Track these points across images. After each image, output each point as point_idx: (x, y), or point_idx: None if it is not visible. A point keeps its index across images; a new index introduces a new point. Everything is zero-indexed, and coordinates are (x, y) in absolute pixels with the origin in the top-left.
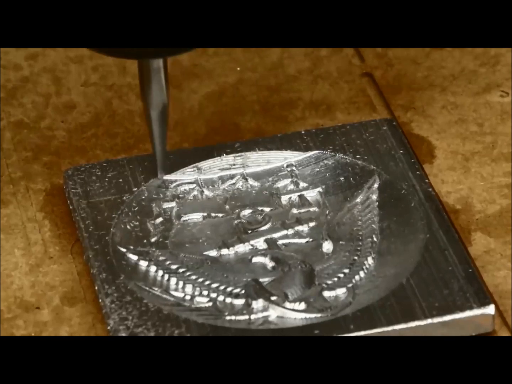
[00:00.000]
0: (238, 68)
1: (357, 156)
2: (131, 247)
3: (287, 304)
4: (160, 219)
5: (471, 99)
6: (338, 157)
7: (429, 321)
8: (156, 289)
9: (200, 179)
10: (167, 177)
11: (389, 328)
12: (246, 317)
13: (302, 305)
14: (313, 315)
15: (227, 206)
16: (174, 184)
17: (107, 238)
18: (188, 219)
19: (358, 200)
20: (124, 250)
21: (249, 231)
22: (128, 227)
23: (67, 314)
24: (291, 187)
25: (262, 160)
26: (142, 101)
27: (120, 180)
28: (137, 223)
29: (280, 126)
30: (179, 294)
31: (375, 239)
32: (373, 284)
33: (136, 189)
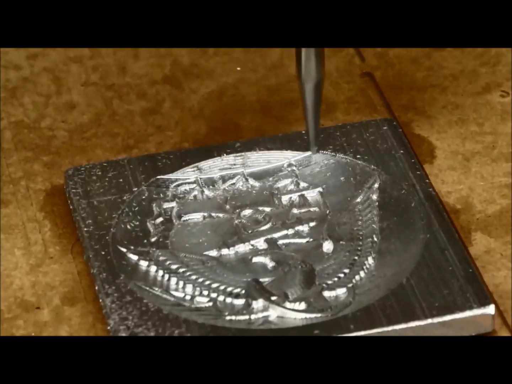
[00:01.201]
0: (238, 68)
1: (358, 156)
2: (131, 247)
3: (287, 304)
4: (160, 219)
5: (471, 99)
6: (339, 157)
7: (429, 321)
8: (156, 289)
9: (200, 179)
10: (168, 176)
11: (389, 328)
12: (246, 317)
13: (302, 305)
14: (313, 315)
15: (227, 206)
16: (174, 184)
17: (107, 238)
18: (189, 219)
19: (358, 200)
20: (124, 250)
21: (250, 231)
22: (128, 227)
23: (67, 314)
24: (292, 187)
25: (262, 160)
26: (297, 77)
27: (120, 180)
28: (137, 223)
29: (280, 126)
30: (179, 294)
31: (375, 239)
32: (373, 284)
33: (136, 189)
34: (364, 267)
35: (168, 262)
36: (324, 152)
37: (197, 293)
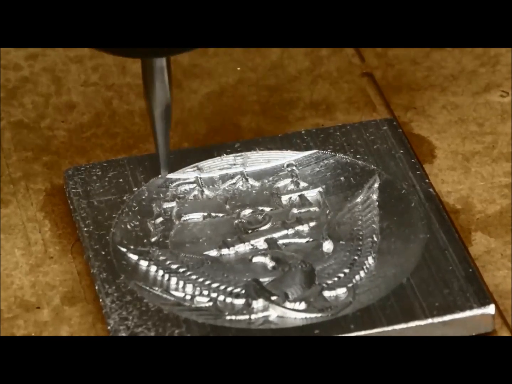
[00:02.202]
0: (238, 68)
1: (357, 156)
2: (132, 247)
3: (287, 304)
4: (160, 219)
5: (471, 99)
6: (338, 157)
7: (429, 321)
8: (156, 289)
9: (200, 178)
10: (168, 176)
11: (389, 328)
12: (247, 317)
13: (302, 305)
14: (313, 315)
15: (227, 206)
16: (174, 184)
17: (107, 238)
18: (189, 219)
19: (358, 200)
20: (124, 250)
21: (250, 231)
22: (128, 227)
23: (67, 314)
24: (292, 187)
25: (262, 160)
26: (146, 99)
27: (121, 180)
28: (138, 223)
29: (280, 126)
30: (180, 294)
31: (375, 239)
32: (373, 284)
33: (136, 189)
34: (364, 267)
35: (168, 262)
36: (324, 152)
37: (197, 293)
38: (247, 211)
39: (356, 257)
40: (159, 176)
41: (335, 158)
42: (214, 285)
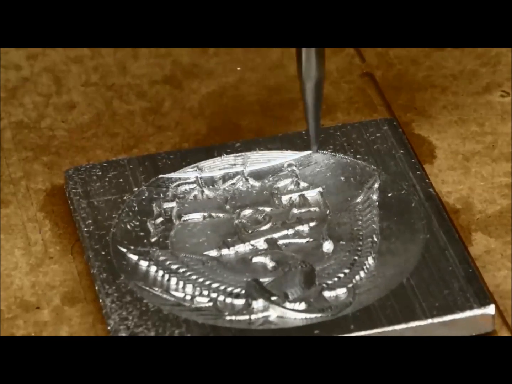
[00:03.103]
0: (238, 68)
1: (358, 156)
2: (132, 247)
3: (287, 304)
4: (160, 219)
5: (471, 99)
6: (339, 157)
7: (429, 321)
8: (156, 289)
9: (200, 179)
10: (168, 176)
11: (389, 328)
12: (246, 317)
13: (302, 305)
14: (313, 315)
15: (227, 206)
16: (174, 184)
17: (107, 238)
18: (189, 219)
19: (358, 200)
20: (124, 250)
21: (250, 231)
22: (128, 227)
23: (67, 314)
24: (292, 187)
25: (262, 160)
26: (298, 76)
27: (121, 180)
28: (138, 223)
29: (280, 126)
30: (179, 294)
31: (375, 239)
32: (373, 284)
33: (136, 189)
34: (364, 267)
35: (168, 262)
36: (324, 152)
37: (197, 293)
38: (247, 211)
39: (356, 257)
40: (308, 151)
41: (335, 158)
42: (214, 285)
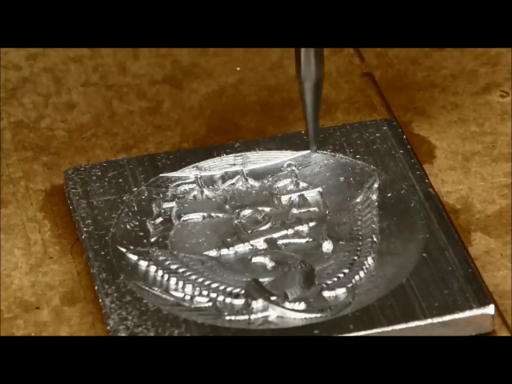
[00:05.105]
0: (238, 68)
1: (357, 156)
2: (131, 247)
3: (287, 304)
4: (160, 219)
5: (471, 99)
6: (338, 157)
7: (429, 321)
8: (156, 289)
9: (200, 179)
10: (168, 175)
11: (389, 328)
12: (246, 317)
13: (302, 305)
14: (313, 315)
15: (227, 206)
16: (174, 184)
17: (107, 238)
18: (188, 219)
19: (358, 200)
20: (124, 250)
21: (249, 231)
22: (128, 227)
23: (67, 314)
24: (291, 187)
25: (262, 160)
26: (297, 76)
27: (120, 180)
28: (137, 223)
29: (280, 126)
30: (179, 294)
31: (375, 239)
32: (373, 284)
33: (136, 189)
34: (364, 267)
35: (167, 262)
36: (324, 152)
37: (196, 293)
38: (247, 211)
39: (355, 257)
40: (308, 151)
41: (335, 158)
42: (214, 285)
